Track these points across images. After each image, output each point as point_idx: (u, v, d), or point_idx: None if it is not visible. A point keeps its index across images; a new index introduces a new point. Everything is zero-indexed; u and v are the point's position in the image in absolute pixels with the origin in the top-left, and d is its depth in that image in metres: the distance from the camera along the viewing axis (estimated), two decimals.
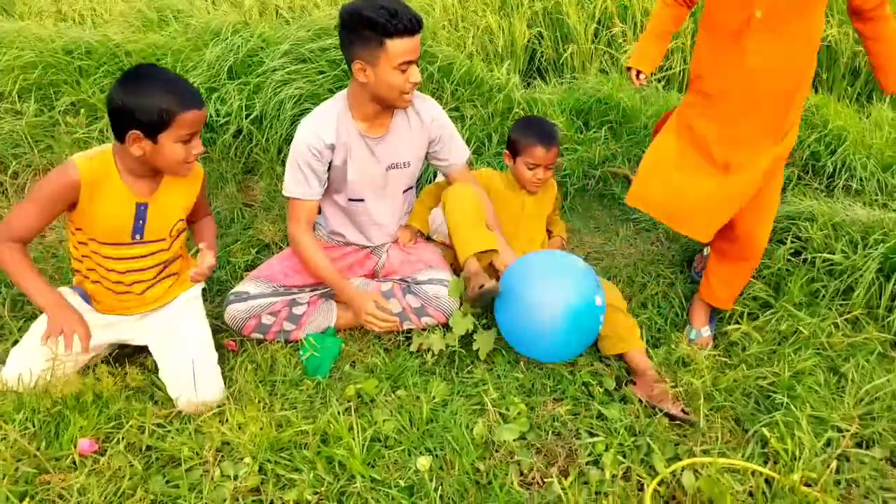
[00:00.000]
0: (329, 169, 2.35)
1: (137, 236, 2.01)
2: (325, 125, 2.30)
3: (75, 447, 1.84)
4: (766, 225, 2.30)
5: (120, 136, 1.85)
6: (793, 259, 2.63)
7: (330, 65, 3.04)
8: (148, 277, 2.10)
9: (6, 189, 2.86)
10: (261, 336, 2.36)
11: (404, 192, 2.53)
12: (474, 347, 2.26)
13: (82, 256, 2.04)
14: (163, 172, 1.99)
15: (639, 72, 2.41)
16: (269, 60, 2.97)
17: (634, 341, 2.28)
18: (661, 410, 2.06)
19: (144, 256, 2.06)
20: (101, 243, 1.99)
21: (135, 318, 2.14)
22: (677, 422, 2.04)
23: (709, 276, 2.43)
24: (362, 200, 2.44)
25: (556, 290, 2.15)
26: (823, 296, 2.46)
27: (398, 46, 2.13)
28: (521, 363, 2.28)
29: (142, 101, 1.80)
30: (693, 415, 2.05)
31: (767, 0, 1.95)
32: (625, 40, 4.51)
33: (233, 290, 2.36)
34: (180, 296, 2.19)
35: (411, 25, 2.13)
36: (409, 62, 2.18)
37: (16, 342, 2.31)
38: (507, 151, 2.63)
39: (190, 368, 2.04)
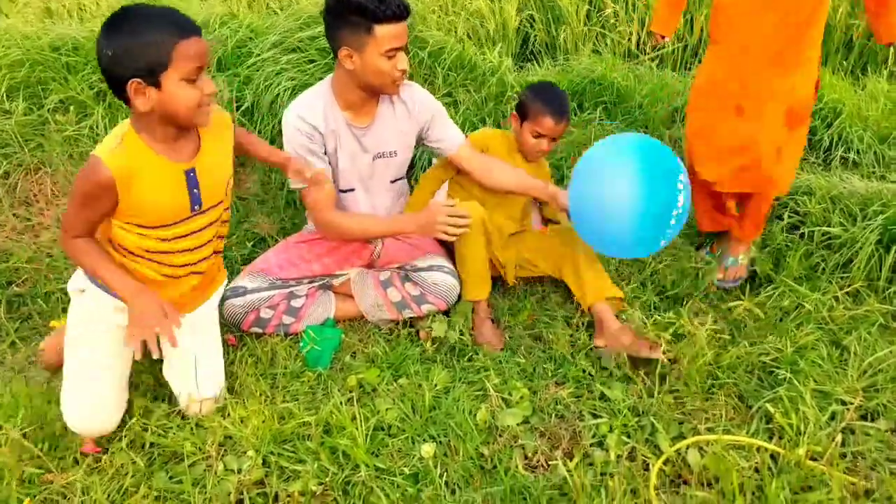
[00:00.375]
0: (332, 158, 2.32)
1: (196, 207, 1.80)
2: (312, 110, 2.26)
3: (81, 445, 1.84)
4: (787, 165, 2.42)
5: (122, 94, 1.61)
6: (791, 234, 2.61)
7: (320, 53, 3.01)
8: (207, 254, 1.92)
9: None
10: (260, 330, 2.35)
11: (392, 181, 2.49)
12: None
13: (137, 251, 1.80)
14: (186, 127, 1.74)
15: (662, 36, 2.65)
16: (258, 51, 2.94)
17: (614, 288, 2.36)
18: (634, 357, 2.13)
19: (207, 227, 1.86)
20: (162, 227, 1.77)
21: None
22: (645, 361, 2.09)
23: (740, 216, 2.61)
24: (353, 190, 2.42)
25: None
26: (823, 269, 2.45)
27: (386, 32, 2.10)
28: (522, 348, 2.27)
29: (133, 40, 1.53)
30: (657, 350, 2.11)
31: None
32: (617, 20, 4.48)
33: (230, 286, 2.34)
34: (210, 299, 2.07)
35: (399, 11, 2.10)
36: (397, 49, 2.15)
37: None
38: (515, 113, 2.55)
39: (194, 364, 2.00)
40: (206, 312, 2.07)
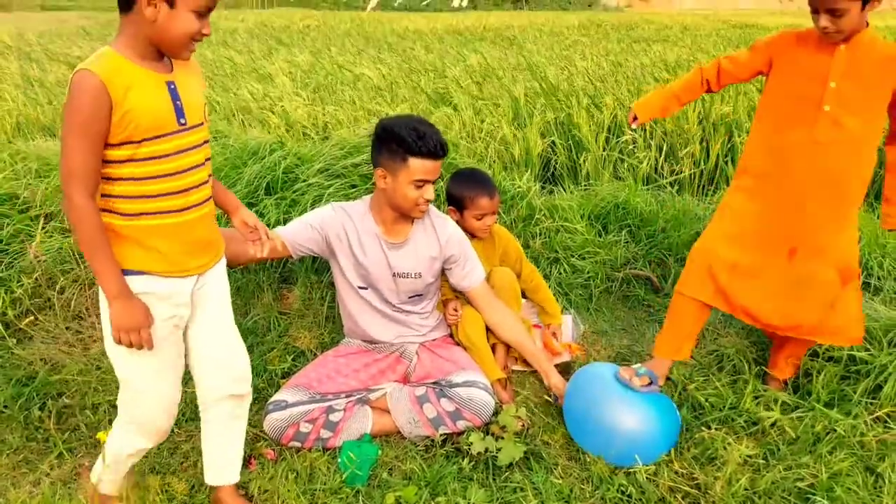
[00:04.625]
0: (351, 254, 2.57)
1: (182, 120, 1.77)
2: (352, 209, 2.59)
3: None
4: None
5: (128, 4, 1.66)
6: (815, 359, 2.66)
7: (362, 179, 3.22)
8: (204, 177, 1.86)
9: (53, 304, 2.98)
10: (299, 444, 2.40)
11: (410, 297, 2.66)
12: (499, 462, 2.30)
13: (133, 178, 1.72)
14: (168, 53, 1.76)
15: (636, 117, 2.64)
16: (304, 177, 3.15)
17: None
18: None
19: (194, 147, 1.81)
20: (154, 139, 1.72)
21: (193, 282, 1.90)
22: None
23: (776, 357, 2.64)
24: (366, 289, 2.61)
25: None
26: (847, 396, 2.49)
27: (419, 165, 2.37)
28: (559, 468, 2.30)
29: None
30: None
31: (834, 98, 2.23)
32: (635, 146, 4.72)
33: (271, 400, 2.43)
34: (220, 261, 2.02)
35: (435, 150, 2.38)
36: (426, 181, 2.41)
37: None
38: (452, 208, 2.82)
39: (232, 354, 2.06)
40: (219, 279, 2.02)
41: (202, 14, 1.69)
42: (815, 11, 2.18)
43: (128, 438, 1.97)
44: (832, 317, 2.37)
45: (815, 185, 2.30)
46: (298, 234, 2.55)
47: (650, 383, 2.38)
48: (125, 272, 1.76)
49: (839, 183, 2.30)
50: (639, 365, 2.47)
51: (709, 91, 2.58)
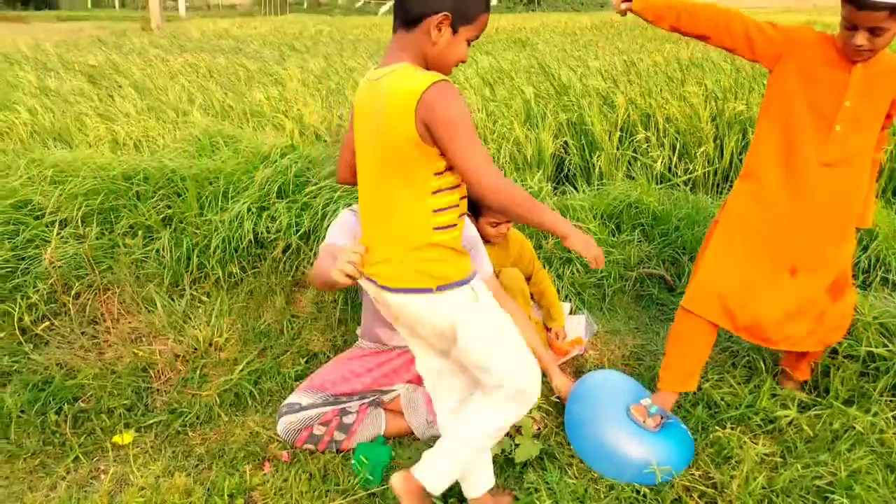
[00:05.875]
0: None
1: None
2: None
3: None
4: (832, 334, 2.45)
5: (415, 22, 1.70)
6: (834, 356, 2.62)
7: None
8: None
9: (69, 309, 3.00)
10: (313, 447, 2.40)
11: None
12: (516, 459, 2.28)
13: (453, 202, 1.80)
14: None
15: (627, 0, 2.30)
16: (315, 179, 3.16)
17: None
18: None
19: None
20: None
21: None
22: None
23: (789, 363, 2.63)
24: None
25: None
26: (865, 391, 2.45)
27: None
28: (573, 468, 2.28)
29: None
30: None
31: (848, 118, 2.18)
32: (648, 145, 4.69)
33: (285, 402, 2.43)
34: None
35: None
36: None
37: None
38: (468, 212, 2.75)
39: None
40: None
41: (470, 42, 1.77)
42: (853, 28, 2.07)
43: (514, 410, 1.91)
44: (820, 327, 2.40)
45: (820, 206, 2.27)
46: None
47: (661, 419, 2.33)
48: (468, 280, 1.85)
49: (844, 202, 2.29)
50: (649, 402, 2.37)
51: (703, 38, 2.29)
